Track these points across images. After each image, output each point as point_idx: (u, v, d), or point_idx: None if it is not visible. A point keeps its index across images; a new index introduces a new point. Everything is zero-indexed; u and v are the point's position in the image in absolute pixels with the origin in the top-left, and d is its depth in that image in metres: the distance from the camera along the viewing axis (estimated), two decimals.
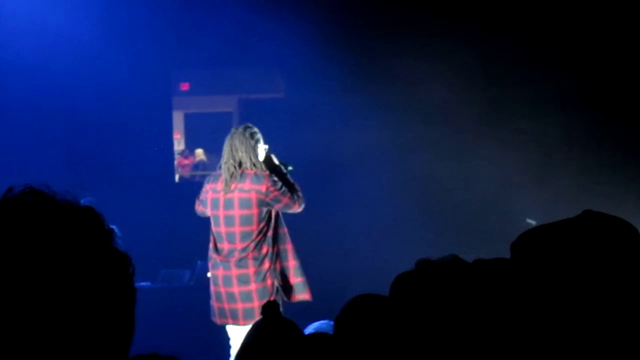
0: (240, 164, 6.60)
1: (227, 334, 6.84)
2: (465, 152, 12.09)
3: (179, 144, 18.34)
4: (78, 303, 1.14)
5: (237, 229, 6.56)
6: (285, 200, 6.58)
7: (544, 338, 1.89)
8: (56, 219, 1.17)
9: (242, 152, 6.61)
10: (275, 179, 6.61)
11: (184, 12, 11.30)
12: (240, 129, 6.74)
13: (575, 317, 1.88)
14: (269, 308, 2.40)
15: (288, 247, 6.72)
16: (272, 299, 6.44)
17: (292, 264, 6.71)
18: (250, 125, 6.80)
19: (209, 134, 17.75)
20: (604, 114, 11.74)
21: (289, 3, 11.58)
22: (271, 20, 11.43)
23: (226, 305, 6.63)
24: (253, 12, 11.48)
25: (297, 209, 6.70)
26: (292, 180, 6.81)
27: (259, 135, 6.73)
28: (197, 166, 17.86)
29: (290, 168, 6.94)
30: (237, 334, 6.65)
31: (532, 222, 10.90)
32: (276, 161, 6.84)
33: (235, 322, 6.63)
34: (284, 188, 6.60)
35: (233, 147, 6.66)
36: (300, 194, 6.74)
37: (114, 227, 1.25)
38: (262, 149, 6.71)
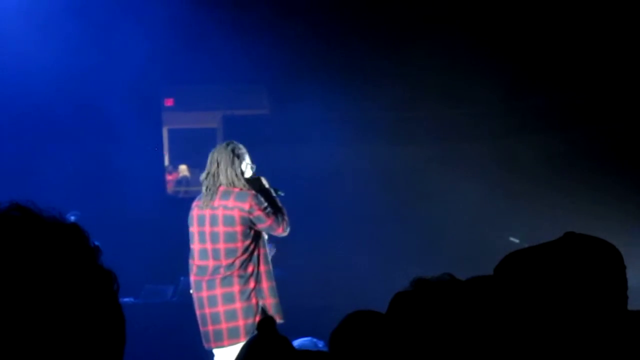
0: (218, 180, 6.58)
1: (210, 352, 6.81)
2: (448, 168, 12.11)
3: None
4: (62, 320, 1.14)
5: (221, 246, 6.53)
6: (269, 221, 6.53)
7: (533, 356, 1.90)
8: (41, 236, 1.17)
9: (221, 168, 6.59)
10: (261, 198, 6.58)
11: (169, 29, 11.30)
12: (223, 145, 6.73)
13: (561, 336, 1.89)
14: (265, 324, 2.38)
15: (267, 268, 6.68)
16: (257, 318, 6.42)
17: (268, 285, 6.65)
18: (235, 142, 6.77)
19: (192, 150, 17.71)
20: (584, 132, 11.79)
21: (272, 20, 11.60)
22: (255, 37, 11.46)
23: (210, 327, 6.58)
24: (236, 28, 11.49)
25: (282, 232, 6.63)
26: (280, 204, 6.75)
27: (243, 152, 6.68)
28: (180, 182, 17.80)
29: (281, 193, 6.91)
30: (222, 356, 6.61)
31: (516, 241, 10.92)
32: (266, 184, 6.81)
33: (219, 343, 6.57)
34: (269, 209, 6.56)
35: (213, 162, 6.65)
36: (286, 218, 6.66)
37: (98, 243, 1.25)
38: (245, 166, 6.67)
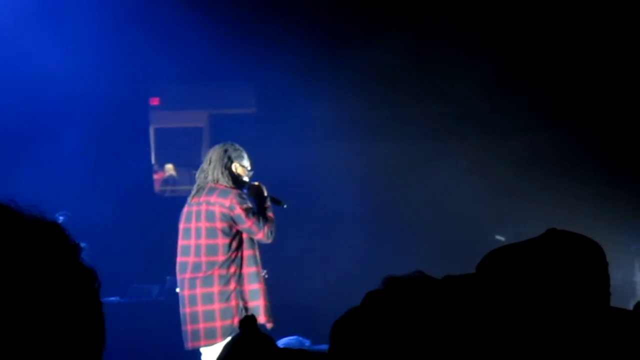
0: (207, 177, 6.62)
1: (198, 352, 6.79)
2: (434, 167, 12.13)
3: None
4: (40, 319, 1.13)
5: (203, 242, 6.52)
6: (250, 223, 6.47)
7: (512, 354, 1.91)
8: (20, 233, 1.16)
9: (212, 165, 6.64)
10: (245, 198, 6.57)
11: (155, 26, 11.28)
12: (220, 145, 6.78)
13: (543, 333, 1.90)
14: (246, 322, 2.37)
15: (250, 271, 6.64)
16: (235, 320, 6.40)
17: (257, 287, 6.60)
18: (234, 144, 6.79)
19: (179, 149, 17.67)
20: (572, 130, 11.83)
21: (259, 18, 11.59)
22: (242, 35, 11.45)
23: (189, 327, 6.58)
24: (223, 26, 11.48)
25: (262, 237, 6.54)
26: (270, 213, 6.73)
27: (237, 154, 6.70)
28: (166, 181, 17.75)
29: (284, 205, 6.90)
30: (209, 355, 6.59)
31: (502, 239, 10.95)
32: (264, 192, 6.80)
33: (196, 343, 6.55)
34: (252, 211, 6.53)
35: (206, 160, 6.72)
36: (272, 227, 6.60)
37: (81, 243, 1.25)
38: (238, 168, 6.68)
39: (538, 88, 12.00)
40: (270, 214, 6.70)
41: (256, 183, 6.80)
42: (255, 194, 6.69)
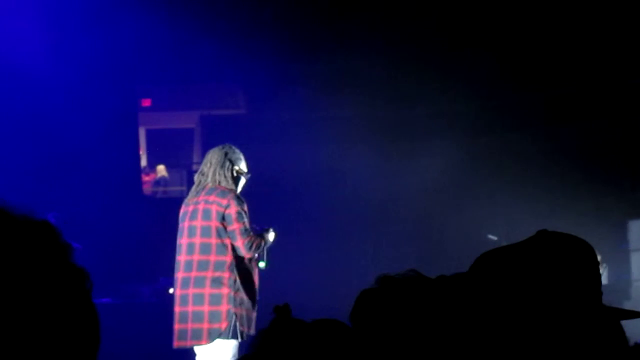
0: (206, 179, 6.64)
1: (191, 352, 6.79)
2: (422, 166, 12.14)
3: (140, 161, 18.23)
4: (32, 318, 1.12)
5: (197, 240, 6.52)
6: (236, 226, 6.43)
7: (506, 355, 1.91)
8: (10, 231, 1.15)
9: (211, 168, 6.66)
10: (242, 200, 6.57)
11: (146, 29, 11.27)
12: (219, 147, 6.80)
13: (536, 333, 1.90)
14: (281, 310, 2.25)
15: (254, 279, 6.63)
16: (223, 324, 6.39)
17: (243, 295, 6.57)
18: (233, 147, 6.81)
19: (170, 150, 17.67)
20: (562, 130, 11.86)
21: (249, 20, 11.60)
22: (231, 37, 11.45)
23: (177, 326, 6.57)
24: (213, 29, 11.48)
25: (241, 245, 6.45)
26: (258, 240, 6.67)
27: (236, 157, 6.72)
28: (158, 182, 17.75)
29: (263, 265, 6.84)
30: (202, 355, 6.58)
31: (494, 238, 10.97)
32: (271, 238, 6.77)
33: (182, 343, 6.54)
34: (244, 216, 6.53)
35: (206, 162, 6.75)
36: (256, 243, 6.52)
37: (72, 242, 1.24)
38: (236, 171, 6.69)
39: (527, 87, 12.04)
40: (261, 240, 6.64)
41: (272, 229, 6.79)
42: (266, 235, 6.71)
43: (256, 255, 6.61)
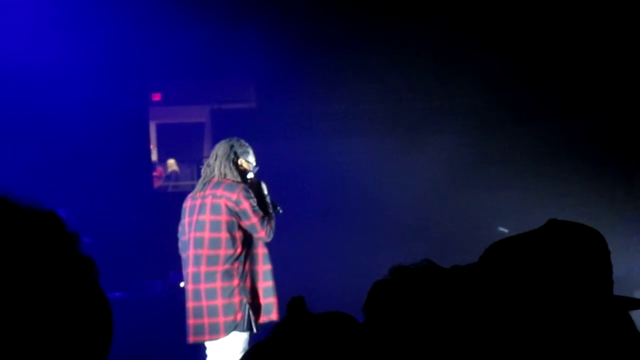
0: (213, 172, 6.62)
1: (202, 346, 6.79)
2: (433, 158, 12.13)
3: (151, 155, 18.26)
4: (40, 308, 1.12)
5: (206, 234, 6.49)
6: (254, 219, 6.45)
7: (518, 345, 1.91)
8: (16, 222, 1.15)
9: (217, 160, 6.64)
10: (251, 193, 6.55)
11: (156, 23, 11.28)
12: (226, 140, 6.77)
13: (548, 323, 1.90)
14: (295, 304, 2.22)
15: (265, 269, 6.63)
16: (238, 316, 6.40)
17: (265, 285, 6.60)
18: (240, 139, 6.79)
19: (181, 145, 17.69)
20: (573, 122, 11.84)
21: (260, 14, 11.60)
22: (242, 31, 11.45)
23: (192, 322, 6.56)
24: (224, 22, 11.48)
25: (264, 235, 6.52)
26: (270, 210, 6.73)
27: (243, 150, 6.70)
28: (169, 177, 17.78)
29: (279, 210, 6.88)
30: (213, 350, 6.59)
31: (505, 230, 10.95)
32: (265, 189, 6.79)
33: (199, 338, 6.54)
34: (257, 207, 6.52)
35: (212, 155, 6.71)
36: (272, 224, 6.60)
37: (83, 237, 1.24)
38: (244, 163, 6.67)
39: (532, 81, 12.02)
40: (270, 210, 6.70)
41: (255, 180, 6.78)
42: (255, 191, 6.67)
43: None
